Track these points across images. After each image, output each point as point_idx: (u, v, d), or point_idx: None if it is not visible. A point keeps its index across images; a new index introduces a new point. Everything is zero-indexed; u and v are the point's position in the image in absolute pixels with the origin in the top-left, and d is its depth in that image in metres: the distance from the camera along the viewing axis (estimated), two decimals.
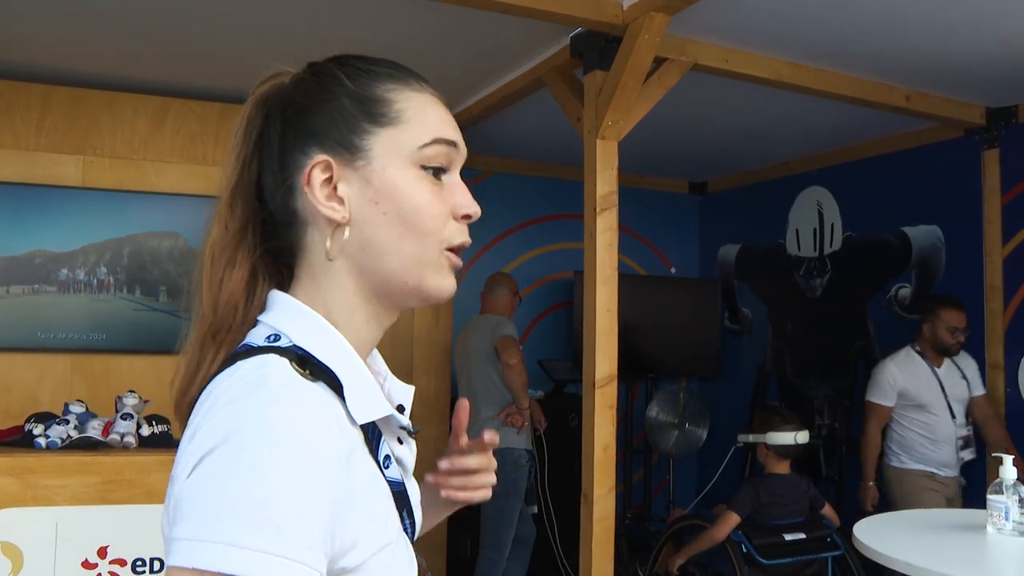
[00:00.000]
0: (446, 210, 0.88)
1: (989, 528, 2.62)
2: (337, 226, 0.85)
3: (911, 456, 4.02)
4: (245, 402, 0.72)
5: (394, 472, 0.87)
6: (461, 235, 0.90)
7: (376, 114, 0.86)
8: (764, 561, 3.56)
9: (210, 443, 0.70)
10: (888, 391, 4.06)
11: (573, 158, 4.23)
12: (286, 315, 0.85)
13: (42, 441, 3.08)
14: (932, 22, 3.25)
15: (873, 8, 3.14)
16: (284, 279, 0.90)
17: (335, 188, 0.85)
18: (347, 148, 0.85)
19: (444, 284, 0.89)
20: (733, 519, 3.62)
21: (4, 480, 2.90)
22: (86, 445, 3.08)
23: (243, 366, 0.77)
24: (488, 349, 4.37)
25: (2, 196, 3.83)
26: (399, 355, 4.55)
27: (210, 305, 0.86)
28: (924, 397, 3.98)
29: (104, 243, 4.00)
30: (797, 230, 5.59)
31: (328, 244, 0.85)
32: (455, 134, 0.91)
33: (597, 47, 3.33)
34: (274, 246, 0.90)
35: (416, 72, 0.92)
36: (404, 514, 0.86)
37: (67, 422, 3.14)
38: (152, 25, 3.38)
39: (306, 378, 0.76)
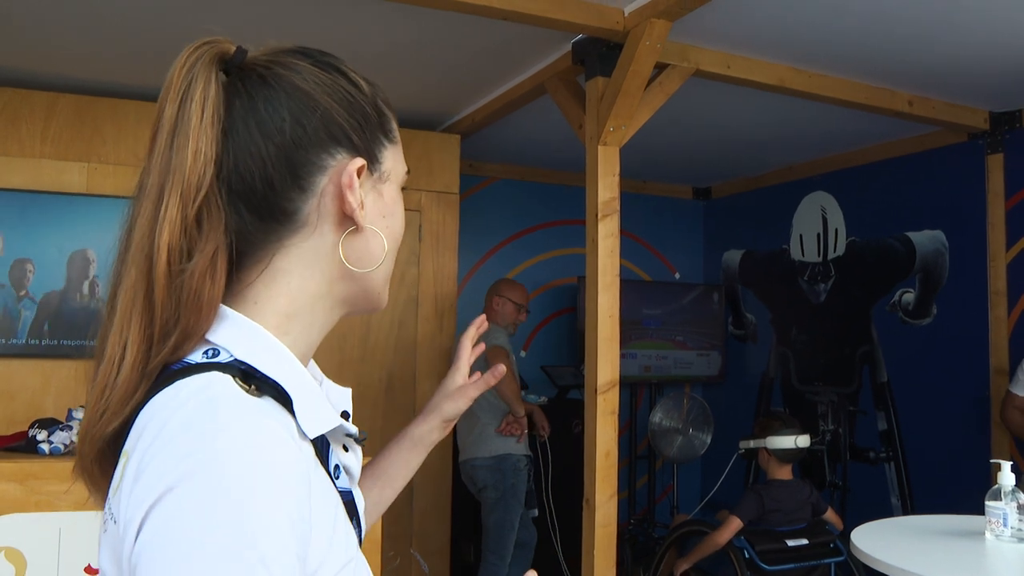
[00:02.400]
0: None
1: (988, 534, 2.60)
2: (351, 232, 0.84)
3: None
4: (198, 431, 0.67)
5: (343, 482, 0.86)
6: None
7: (388, 129, 0.88)
8: (767, 567, 3.56)
9: (165, 482, 0.65)
10: (1020, 379, 3.88)
11: (575, 164, 4.23)
12: (224, 328, 0.78)
13: (45, 447, 3.09)
14: (935, 27, 3.25)
15: (875, 13, 3.14)
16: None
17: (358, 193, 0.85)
18: (370, 157, 0.85)
19: (387, 297, 0.93)
20: (735, 524, 3.61)
21: (7, 486, 2.91)
22: None
23: (184, 387, 0.72)
24: (480, 357, 4.36)
25: (8, 203, 3.84)
26: (402, 362, 4.55)
27: (165, 331, 0.75)
28: None
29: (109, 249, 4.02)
30: (801, 235, 5.59)
31: (340, 248, 0.83)
32: None
33: (599, 53, 3.33)
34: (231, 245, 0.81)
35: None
36: (353, 523, 0.84)
37: (70, 428, 3.15)
38: (157, 33, 3.40)
39: (251, 394, 0.72)
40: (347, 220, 0.83)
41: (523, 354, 5.60)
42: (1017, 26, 3.22)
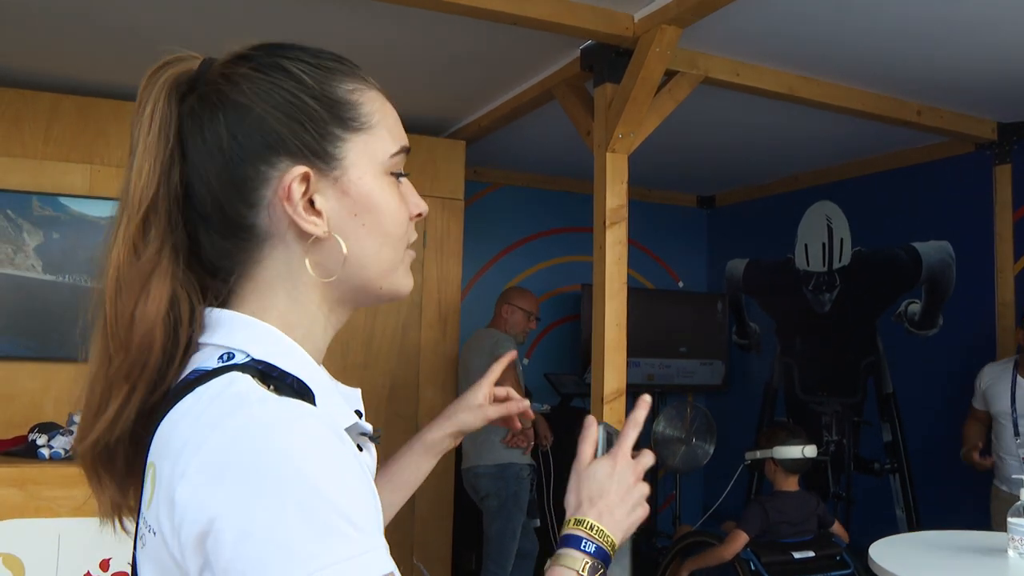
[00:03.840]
0: (407, 212, 0.86)
1: (1010, 552, 2.55)
2: (315, 241, 0.80)
3: (995, 464, 3.93)
4: (237, 420, 0.67)
5: None
6: (414, 231, 0.88)
7: (347, 119, 0.81)
8: None
9: (218, 474, 0.64)
10: (977, 392, 3.99)
11: (581, 171, 4.21)
12: (237, 330, 0.78)
13: (45, 452, 3.06)
14: (944, 37, 3.23)
15: (885, 23, 3.12)
16: (216, 294, 0.82)
17: (311, 201, 0.79)
18: (321, 158, 0.79)
19: (408, 282, 0.88)
20: (742, 538, 3.57)
21: (7, 491, 2.88)
22: None
23: (205, 391, 0.71)
24: (485, 366, 4.33)
25: (11, 204, 3.82)
26: (405, 368, 4.52)
27: (119, 344, 0.76)
28: (996, 406, 3.88)
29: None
30: (806, 245, 5.57)
31: (307, 262, 0.80)
32: (406, 137, 0.88)
33: (608, 60, 3.31)
34: (208, 262, 0.82)
35: (357, 65, 0.86)
36: None
37: (71, 433, 3.12)
38: (159, 35, 3.38)
39: (272, 393, 0.71)
40: (305, 233, 0.80)
41: (526, 362, 5.56)
42: None
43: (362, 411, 0.91)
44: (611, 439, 0.99)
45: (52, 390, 3.85)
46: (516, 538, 4.30)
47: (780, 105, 3.89)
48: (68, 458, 3.04)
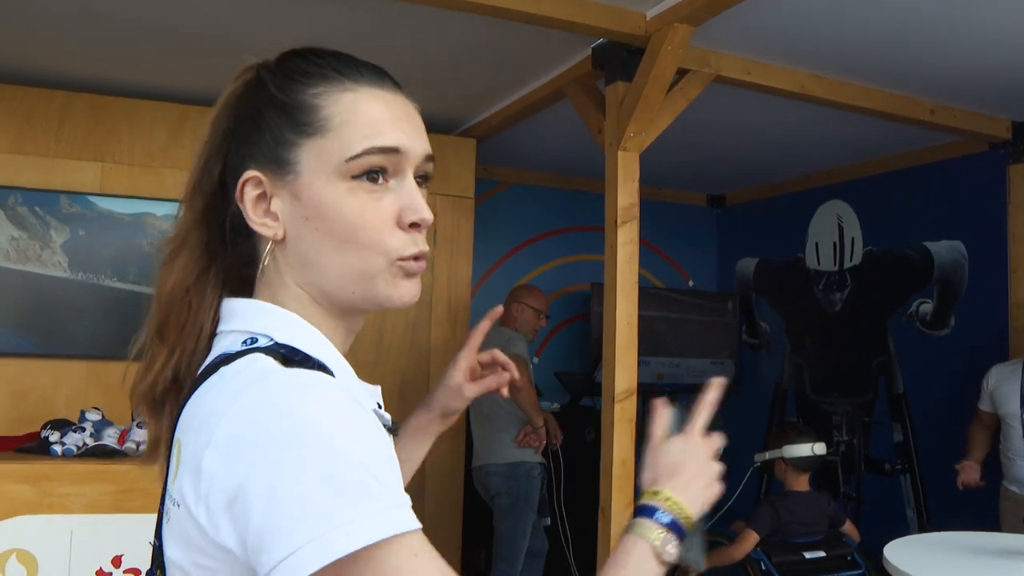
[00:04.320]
0: (387, 219, 0.82)
1: None
2: (275, 243, 0.83)
3: (1002, 463, 3.92)
4: (258, 390, 0.70)
5: None
6: (412, 245, 0.83)
7: (301, 123, 0.81)
8: None
9: (243, 438, 0.67)
10: (984, 394, 3.97)
11: (592, 170, 4.20)
12: (257, 316, 0.82)
13: (58, 448, 3.07)
14: (957, 35, 3.21)
15: (897, 21, 3.10)
16: (241, 289, 0.88)
17: (269, 204, 0.82)
18: (276, 162, 0.82)
19: (399, 294, 0.84)
20: (752, 538, 3.56)
21: (20, 487, 2.89)
22: (102, 453, 3.07)
23: (228, 370, 0.75)
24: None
25: (23, 201, 3.83)
26: (415, 367, 4.52)
27: (156, 299, 0.86)
28: (1005, 407, 3.85)
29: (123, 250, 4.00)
30: (817, 244, 5.55)
31: (266, 260, 0.84)
32: (394, 136, 0.82)
33: (619, 58, 3.30)
34: (237, 252, 0.88)
35: (365, 64, 0.86)
36: None
37: (83, 430, 3.13)
38: (171, 33, 3.38)
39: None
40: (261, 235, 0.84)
41: (536, 360, 5.56)
42: None
43: (382, 405, 0.94)
44: (683, 421, 0.98)
45: (64, 387, 3.87)
46: (526, 537, 4.30)
47: (792, 104, 3.87)
48: (80, 455, 3.05)
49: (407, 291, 0.84)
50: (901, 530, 4.62)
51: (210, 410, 0.71)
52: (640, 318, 3.33)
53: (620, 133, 3.30)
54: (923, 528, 4.64)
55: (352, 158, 0.80)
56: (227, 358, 0.76)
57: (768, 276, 6.01)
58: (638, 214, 3.33)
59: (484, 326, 1.25)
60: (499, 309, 1.28)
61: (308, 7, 3.13)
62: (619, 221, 3.28)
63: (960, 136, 4.36)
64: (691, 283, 6.35)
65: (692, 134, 4.51)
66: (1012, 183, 4.29)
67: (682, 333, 5.70)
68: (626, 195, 3.31)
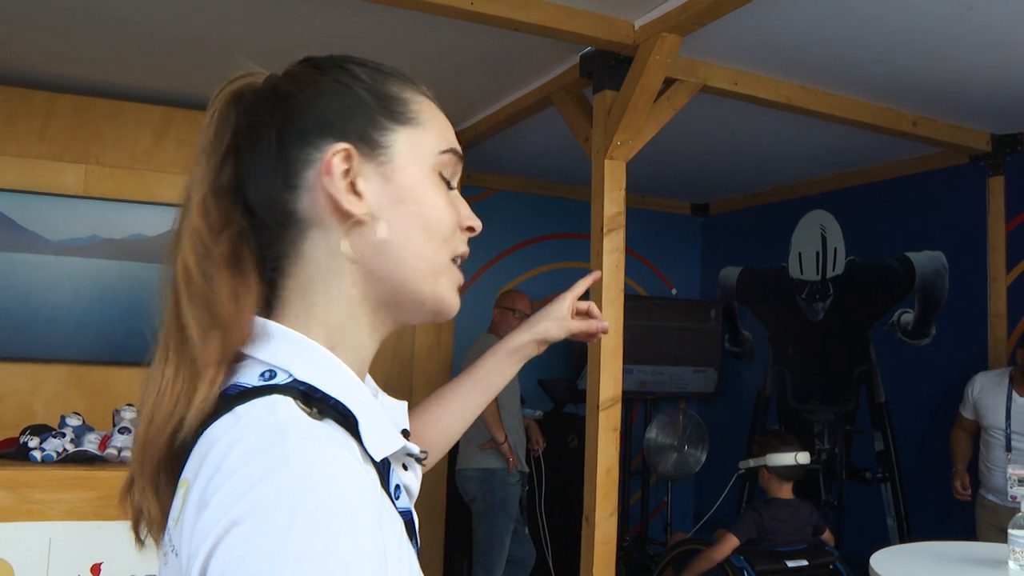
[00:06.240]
0: (456, 218, 0.85)
1: (1011, 564, 2.54)
2: (355, 224, 0.78)
3: (980, 471, 3.96)
4: (265, 461, 0.63)
5: (403, 502, 0.82)
6: (464, 245, 0.86)
7: (396, 112, 0.81)
8: None
9: (231, 515, 0.61)
10: (967, 401, 4.02)
11: (576, 177, 4.21)
12: (281, 346, 0.76)
13: (37, 454, 3.03)
14: (941, 50, 3.25)
15: (883, 35, 3.13)
16: (262, 298, 0.81)
17: (352, 183, 0.78)
18: (367, 143, 0.79)
19: (454, 299, 0.85)
20: (732, 542, 3.58)
21: None
22: (82, 459, 3.03)
23: (245, 414, 0.69)
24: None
25: (4, 203, 3.79)
26: (399, 373, 4.51)
27: (212, 323, 0.74)
28: (989, 418, 3.89)
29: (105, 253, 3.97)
30: (800, 253, 5.58)
31: (344, 244, 0.78)
32: (458, 144, 0.88)
33: (607, 66, 3.31)
34: (258, 256, 0.81)
35: (414, 79, 0.88)
36: (413, 542, 0.80)
37: (63, 435, 3.09)
38: (157, 34, 3.36)
39: (313, 417, 0.69)
40: (345, 212, 0.78)
41: None
42: (1021, 47, 3.22)
43: (408, 427, 0.89)
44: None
45: (43, 391, 3.83)
46: (504, 544, 4.28)
47: (777, 114, 3.90)
48: (61, 461, 3.01)
49: (458, 300, 0.86)
50: (881, 538, 4.65)
51: (218, 463, 0.66)
52: (624, 326, 3.33)
53: (607, 141, 3.30)
54: (903, 536, 4.67)
55: (443, 151, 0.83)
56: (243, 394, 0.71)
57: (751, 285, 6.04)
58: (624, 222, 3.34)
59: (589, 280, 1.34)
60: (598, 274, 1.37)
61: (294, 11, 3.12)
62: (605, 229, 3.29)
63: (942, 148, 4.40)
64: (675, 291, 6.37)
65: (678, 143, 4.53)
66: (991, 195, 4.34)
67: (665, 341, 5.71)
68: (612, 203, 3.32)
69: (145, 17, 3.19)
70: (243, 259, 0.78)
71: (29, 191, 3.81)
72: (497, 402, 4.32)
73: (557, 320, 1.27)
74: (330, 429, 0.70)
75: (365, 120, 0.80)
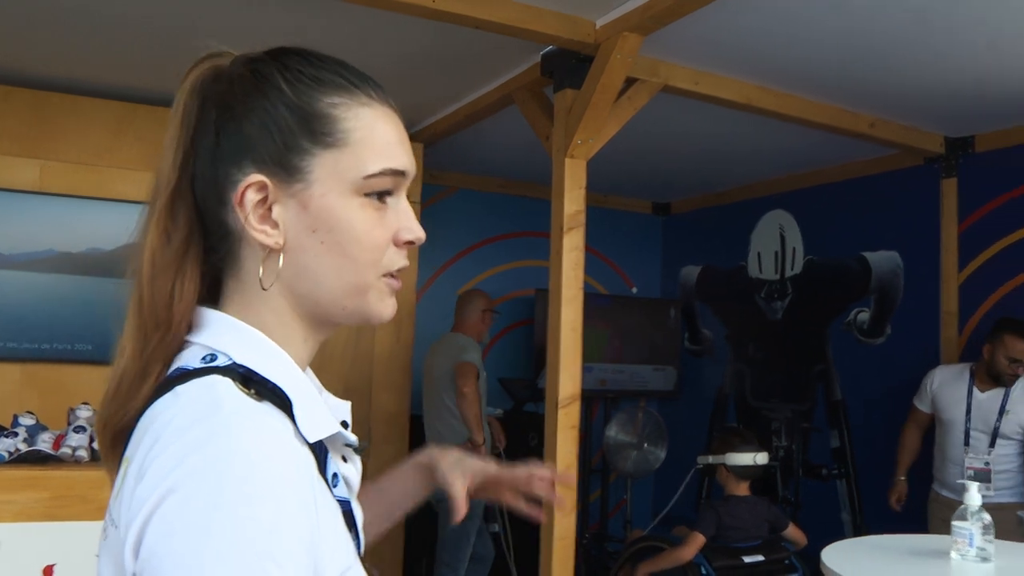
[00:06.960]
0: (388, 236, 0.82)
1: (953, 555, 2.63)
2: (270, 251, 0.80)
3: (934, 466, 4.00)
4: (201, 430, 0.67)
5: (342, 491, 0.83)
6: (400, 260, 0.84)
7: (318, 132, 0.79)
8: None
9: (167, 484, 0.64)
10: (924, 394, 4.05)
11: (537, 176, 4.21)
12: (222, 332, 0.79)
13: None
14: (897, 54, 3.31)
15: (841, 38, 3.18)
16: (209, 292, 0.84)
17: (270, 210, 0.79)
18: (284, 168, 0.79)
19: (383, 309, 0.84)
20: (700, 540, 3.61)
21: None
22: (35, 459, 2.98)
23: (183, 392, 0.72)
24: (448, 370, 4.34)
25: None
26: (359, 372, 4.49)
27: (156, 323, 0.78)
28: (948, 412, 3.92)
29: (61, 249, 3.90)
30: (759, 253, 5.64)
31: (260, 270, 0.80)
32: (404, 159, 0.84)
33: (568, 65, 3.32)
34: (208, 246, 0.83)
35: (368, 77, 0.85)
36: (352, 534, 0.82)
37: (16, 434, 3.03)
38: (117, 29, 3.31)
39: (251, 398, 0.71)
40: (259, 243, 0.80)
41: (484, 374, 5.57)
42: (973, 56, 3.29)
43: (349, 422, 0.89)
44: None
45: None
46: (469, 543, 4.29)
47: (737, 115, 3.94)
48: (12, 461, 2.96)
49: (390, 308, 0.85)
50: (836, 533, 4.71)
51: (156, 436, 0.68)
52: (584, 324, 3.35)
53: (568, 140, 3.32)
54: (857, 530, 4.74)
55: (370, 176, 0.80)
56: (184, 375, 0.74)
57: (711, 284, 6.09)
58: (584, 221, 3.35)
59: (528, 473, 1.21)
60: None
61: (255, 6, 3.09)
62: (565, 228, 3.30)
63: (897, 150, 4.48)
64: (635, 290, 6.41)
65: (639, 142, 4.56)
66: (945, 196, 4.43)
67: (625, 340, 5.75)
68: (572, 202, 3.33)
69: (104, 9, 3.14)
70: (189, 257, 0.81)
71: None
72: (480, 403, 4.34)
73: (487, 480, 1.19)
74: (267, 407, 0.72)
75: (284, 144, 0.79)
